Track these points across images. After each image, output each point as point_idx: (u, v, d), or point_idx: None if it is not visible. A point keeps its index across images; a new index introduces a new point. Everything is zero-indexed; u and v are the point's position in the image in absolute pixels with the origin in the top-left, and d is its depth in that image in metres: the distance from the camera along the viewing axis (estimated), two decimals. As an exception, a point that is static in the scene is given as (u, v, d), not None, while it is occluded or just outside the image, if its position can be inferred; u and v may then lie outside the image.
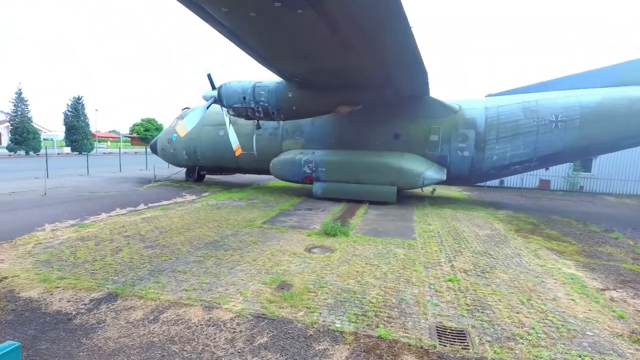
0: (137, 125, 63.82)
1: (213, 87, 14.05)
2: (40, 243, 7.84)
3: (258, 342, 4.25)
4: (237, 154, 15.65)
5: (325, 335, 4.45)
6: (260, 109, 13.05)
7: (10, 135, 46.03)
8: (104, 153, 56.38)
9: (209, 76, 13.98)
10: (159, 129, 66.28)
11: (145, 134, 63.55)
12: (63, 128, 51.38)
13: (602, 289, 6.30)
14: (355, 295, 5.64)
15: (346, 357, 4.03)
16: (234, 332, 4.45)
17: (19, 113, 44.17)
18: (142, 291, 5.50)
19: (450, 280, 6.44)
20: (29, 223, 9.62)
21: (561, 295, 5.96)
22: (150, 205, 13.06)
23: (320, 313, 5.01)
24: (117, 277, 6.02)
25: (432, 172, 14.39)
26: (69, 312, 4.84)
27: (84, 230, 9.04)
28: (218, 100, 13.73)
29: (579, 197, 19.97)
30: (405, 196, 16.57)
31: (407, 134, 15.02)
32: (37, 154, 44.26)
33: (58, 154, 47.71)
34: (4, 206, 11.77)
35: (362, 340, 4.36)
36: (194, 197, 15.45)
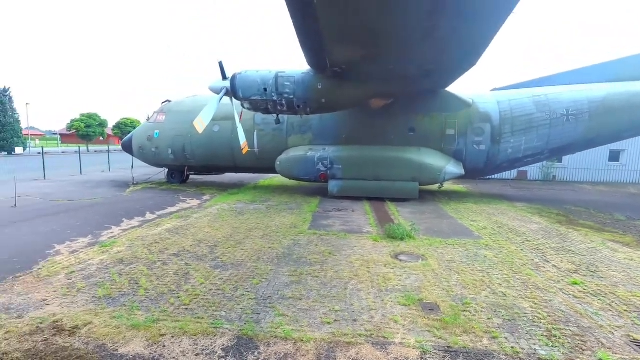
0: (76, 121, 56.86)
1: (224, 77, 12.44)
2: (72, 272, 6.15)
3: (489, 388, 3.43)
4: (244, 151, 14.20)
5: (548, 368, 3.76)
6: (283, 102, 11.79)
7: None
8: (38, 153, 49.66)
9: (221, 64, 12.33)
10: (103, 124, 59.87)
11: (86, 131, 56.88)
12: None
13: None
14: (512, 310, 5.01)
15: (603, 395, 3.38)
16: (445, 377, 3.59)
17: None
18: (275, 329, 4.36)
19: (574, 283, 6.08)
20: (29, 244, 7.67)
21: (690, 291, 5.86)
22: (158, 213, 11.28)
23: (506, 338, 4.31)
24: (223, 313, 4.76)
25: (452, 167, 14.23)
26: (213, 371, 3.61)
27: (112, 251, 7.35)
28: (231, 91, 12.18)
29: (559, 186, 21.27)
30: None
31: (422, 128, 14.68)
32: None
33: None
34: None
35: (592, 370, 3.75)
36: (196, 201, 13.76)
